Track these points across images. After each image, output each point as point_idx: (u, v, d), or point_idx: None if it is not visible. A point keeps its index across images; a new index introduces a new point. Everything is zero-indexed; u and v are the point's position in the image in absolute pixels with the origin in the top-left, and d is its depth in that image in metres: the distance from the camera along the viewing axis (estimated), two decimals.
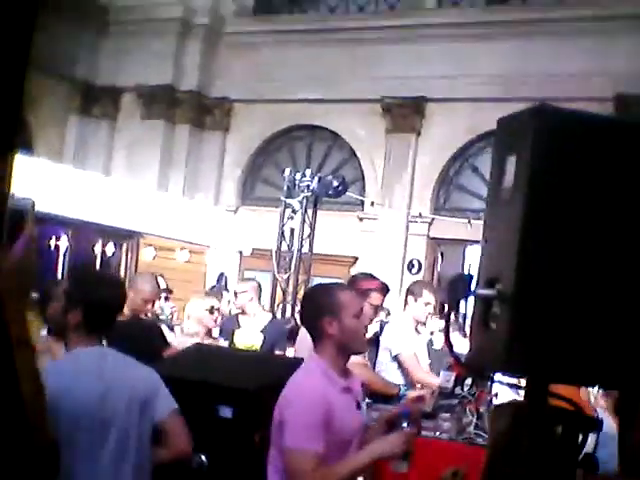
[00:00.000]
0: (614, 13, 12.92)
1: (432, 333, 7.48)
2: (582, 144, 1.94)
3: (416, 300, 5.98)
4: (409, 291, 6.08)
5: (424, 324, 6.41)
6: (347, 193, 11.78)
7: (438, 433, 4.94)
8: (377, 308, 5.56)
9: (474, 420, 4.90)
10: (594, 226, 1.93)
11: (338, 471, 2.77)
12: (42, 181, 9.13)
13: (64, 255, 9.73)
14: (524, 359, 1.87)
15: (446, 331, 2.20)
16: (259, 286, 7.36)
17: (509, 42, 13.45)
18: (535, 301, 1.87)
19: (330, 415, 2.79)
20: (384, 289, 5.40)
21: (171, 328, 7.23)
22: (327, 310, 2.94)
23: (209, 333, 6.43)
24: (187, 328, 6.31)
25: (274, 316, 8.47)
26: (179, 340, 5.98)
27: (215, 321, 6.54)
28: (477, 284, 2.03)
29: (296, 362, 3.65)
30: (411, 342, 5.93)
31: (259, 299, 7.35)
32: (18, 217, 1.28)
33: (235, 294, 7.46)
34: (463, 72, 13.66)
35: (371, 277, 5.56)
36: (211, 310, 6.34)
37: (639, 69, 12.53)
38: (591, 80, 12.83)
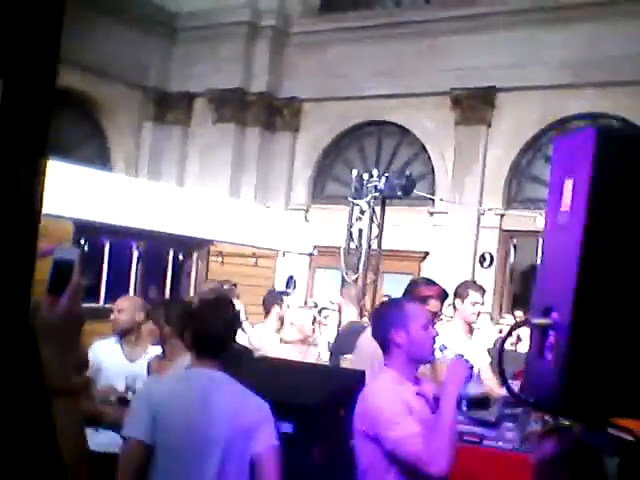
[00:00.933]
0: None
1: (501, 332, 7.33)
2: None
3: (463, 302, 5.85)
4: (455, 294, 5.98)
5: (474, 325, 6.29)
6: (416, 191, 11.70)
7: (501, 443, 4.88)
8: (435, 315, 5.50)
9: (539, 428, 4.84)
10: None
11: (441, 431, 2.90)
12: (115, 195, 9.45)
13: (136, 266, 10.03)
14: (580, 391, 1.83)
15: (499, 358, 2.17)
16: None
17: (578, 27, 13.07)
18: (592, 332, 1.83)
19: (410, 410, 2.97)
20: (442, 295, 5.32)
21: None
22: (396, 322, 3.12)
23: (306, 341, 6.57)
24: (287, 336, 6.46)
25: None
26: (281, 347, 6.20)
27: (313, 331, 6.72)
28: (533, 312, 2.00)
29: (357, 375, 3.77)
30: (462, 349, 5.84)
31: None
32: (65, 267, 1.33)
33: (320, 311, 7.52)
34: (532, 60, 13.36)
35: (431, 283, 5.48)
36: (313, 320, 6.59)
37: None
38: None
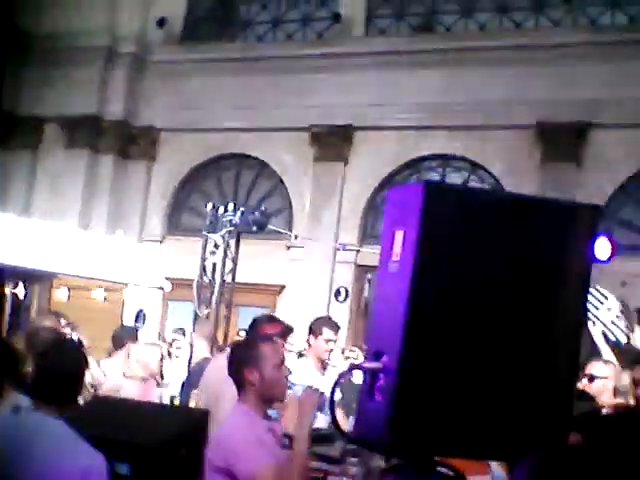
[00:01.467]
0: (535, 42, 13.11)
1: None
2: (468, 220, 1.99)
3: (316, 338, 5.82)
4: (310, 330, 5.93)
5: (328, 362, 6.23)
6: (271, 227, 11.65)
7: (345, 479, 4.82)
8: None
9: (383, 464, 4.79)
10: (479, 301, 1.98)
11: (295, 463, 3.02)
12: None
13: None
14: (406, 432, 1.94)
15: (331, 399, 2.26)
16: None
17: (435, 71, 13.54)
18: (418, 376, 1.95)
19: (263, 445, 3.10)
20: (285, 333, 5.28)
21: None
22: (249, 362, 3.25)
23: (150, 379, 6.36)
24: (131, 371, 6.24)
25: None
26: (123, 382, 6.00)
27: (160, 368, 6.59)
28: (366, 355, 2.12)
29: (201, 414, 3.75)
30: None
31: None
32: None
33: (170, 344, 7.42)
34: (390, 101, 13.70)
35: (274, 320, 5.42)
36: (161, 357, 6.52)
37: (557, 97, 12.73)
38: (512, 108, 12.98)
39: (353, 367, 2.71)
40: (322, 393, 3.27)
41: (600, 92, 12.60)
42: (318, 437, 3.42)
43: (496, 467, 3.94)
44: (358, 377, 5.24)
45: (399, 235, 2.05)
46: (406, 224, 2.01)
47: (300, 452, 3.03)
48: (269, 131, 14.44)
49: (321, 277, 13.74)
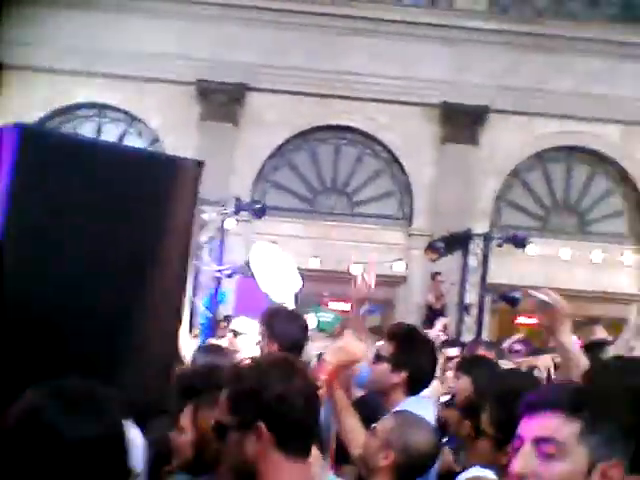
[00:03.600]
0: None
1: None
2: (64, 167, 1.99)
3: None
4: None
5: None
6: None
7: None
8: None
9: None
10: (73, 250, 2.02)
11: None
12: None
13: None
14: None
15: None
16: None
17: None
18: None
19: None
20: None
21: None
22: None
23: None
24: None
25: None
26: None
27: None
28: None
29: None
30: None
31: None
32: None
33: None
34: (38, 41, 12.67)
35: None
36: None
37: (219, 58, 12.77)
38: (174, 63, 12.75)
39: None
40: None
41: (259, 57, 12.88)
42: None
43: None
44: None
45: None
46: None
47: None
48: None
49: None
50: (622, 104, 13.39)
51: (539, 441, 1.42)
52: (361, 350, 2.86)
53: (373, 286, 3.50)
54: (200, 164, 2.35)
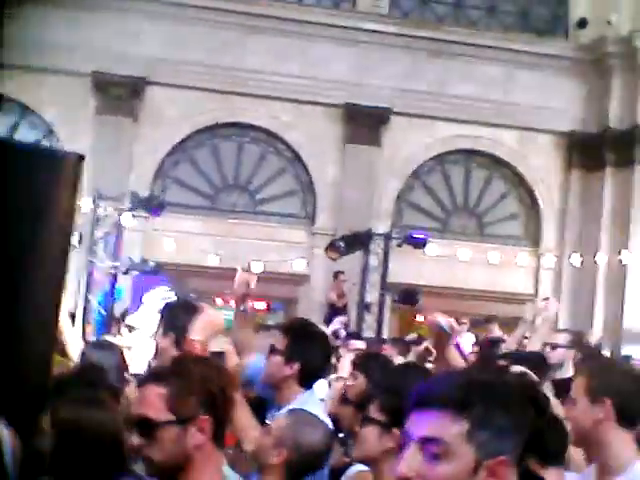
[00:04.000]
0: None
1: None
2: None
3: None
4: None
5: None
6: None
7: None
8: None
9: None
10: None
11: None
12: None
13: None
14: None
15: None
16: None
17: None
18: None
19: None
20: None
21: None
22: None
23: None
24: None
25: None
26: None
27: None
28: None
29: None
30: None
31: None
32: None
33: None
34: None
35: None
36: None
37: (116, 50, 12.43)
38: (72, 54, 12.34)
39: None
40: None
41: (160, 50, 12.63)
42: None
43: None
44: None
45: None
46: None
47: None
48: None
49: None
50: (518, 110, 13.79)
51: (425, 441, 1.39)
52: (219, 316, 3.03)
53: (253, 284, 3.50)
54: (81, 157, 2.29)
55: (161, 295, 6.22)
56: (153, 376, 1.93)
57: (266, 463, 2.51)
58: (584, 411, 2.44)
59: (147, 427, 1.85)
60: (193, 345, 2.81)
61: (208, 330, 2.89)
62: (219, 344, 4.39)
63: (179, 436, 1.84)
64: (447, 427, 1.38)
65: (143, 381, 1.94)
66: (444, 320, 2.97)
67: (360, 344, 5.39)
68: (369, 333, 11.00)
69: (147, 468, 1.91)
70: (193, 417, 1.85)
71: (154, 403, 1.85)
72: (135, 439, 1.88)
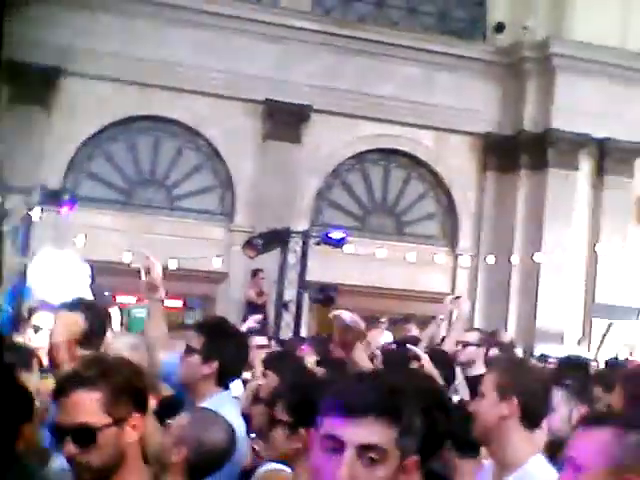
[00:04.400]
0: None
1: None
2: None
3: None
4: None
5: None
6: None
7: None
8: None
9: None
10: None
11: None
12: None
13: None
14: None
15: None
16: None
17: None
18: None
19: None
20: None
21: None
22: None
23: None
24: None
25: None
26: None
27: None
28: None
29: None
30: None
31: None
32: None
33: None
34: None
35: None
36: None
37: (31, 38, 11.98)
38: None
39: None
40: None
41: (75, 39, 12.24)
42: None
43: None
44: None
45: None
46: None
47: None
48: None
49: None
50: (436, 111, 13.94)
51: (364, 448, 1.45)
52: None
53: (157, 272, 3.41)
54: None
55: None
56: (79, 382, 1.90)
57: (166, 462, 2.47)
58: (491, 406, 2.50)
59: (86, 434, 1.86)
60: (58, 348, 2.84)
61: (65, 332, 2.90)
62: (129, 342, 4.24)
63: (117, 437, 1.89)
64: (385, 434, 1.46)
65: (67, 389, 1.90)
66: (348, 316, 2.92)
67: (262, 340, 5.38)
68: (287, 332, 10.91)
69: (83, 475, 1.90)
70: (127, 416, 1.91)
71: (90, 409, 1.86)
72: (70, 448, 1.86)
